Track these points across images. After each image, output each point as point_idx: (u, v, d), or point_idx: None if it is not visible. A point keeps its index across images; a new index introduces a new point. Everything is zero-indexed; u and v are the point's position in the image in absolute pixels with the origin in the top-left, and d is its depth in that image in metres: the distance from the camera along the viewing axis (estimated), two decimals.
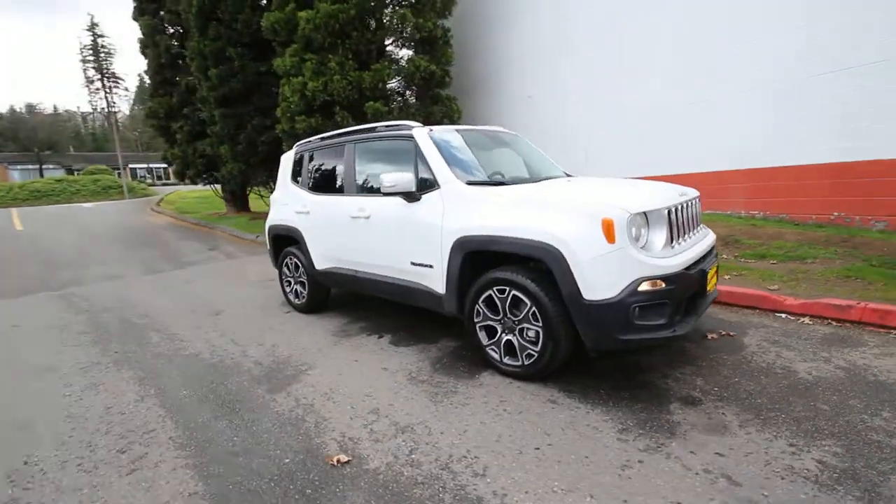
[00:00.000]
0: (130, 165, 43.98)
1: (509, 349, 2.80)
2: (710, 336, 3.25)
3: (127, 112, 56.59)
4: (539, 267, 2.66)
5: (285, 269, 4.68)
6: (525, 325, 2.67)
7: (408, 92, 10.29)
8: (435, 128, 3.39)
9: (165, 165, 46.92)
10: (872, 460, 1.86)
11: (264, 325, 4.25)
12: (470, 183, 3.00)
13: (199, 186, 19.89)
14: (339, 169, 3.96)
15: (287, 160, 4.68)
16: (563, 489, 1.81)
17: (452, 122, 10.75)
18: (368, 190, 3.67)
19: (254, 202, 16.48)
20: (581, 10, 8.35)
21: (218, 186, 15.64)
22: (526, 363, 2.71)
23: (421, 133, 3.30)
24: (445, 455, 2.09)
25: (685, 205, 2.80)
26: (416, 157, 3.27)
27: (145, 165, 47.56)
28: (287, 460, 2.14)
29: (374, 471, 2.01)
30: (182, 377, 3.19)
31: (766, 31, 5.87)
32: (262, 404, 2.71)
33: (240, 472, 2.08)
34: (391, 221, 3.36)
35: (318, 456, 2.16)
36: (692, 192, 3.03)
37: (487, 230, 2.72)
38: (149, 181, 42.81)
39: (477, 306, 2.89)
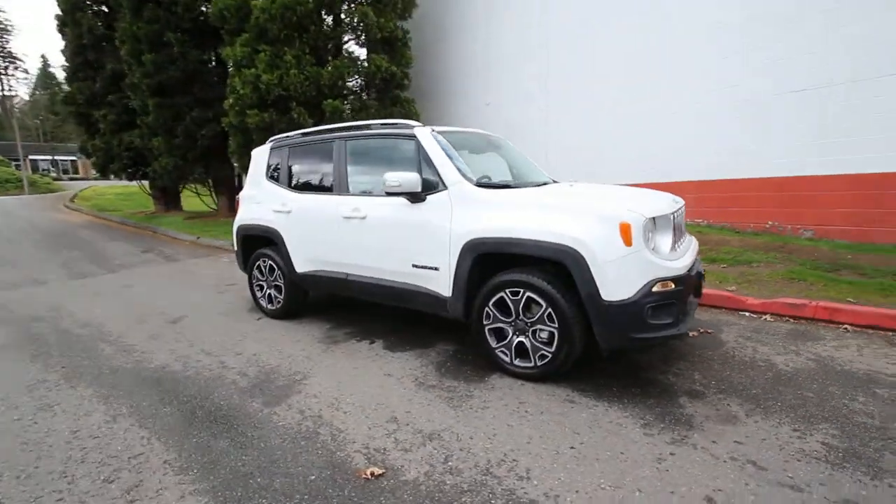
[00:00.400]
0: (31, 157, 38.93)
1: (520, 351, 2.81)
2: (691, 334, 3.49)
3: (27, 97, 50.12)
4: (551, 269, 2.71)
5: (256, 273, 4.37)
6: (539, 326, 2.70)
7: (364, 92, 10.07)
8: (435, 128, 3.35)
9: (74, 158, 42.05)
10: (865, 440, 2.09)
11: (236, 333, 3.93)
12: (479, 185, 2.99)
13: (119, 182, 18.05)
14: (328, 166, 3.78)
15: (260, 156, 4.39)
16: (611, 486, 1.85)
17: None
18: (363, 189, 3.53)
19: (187, 200, 15.25)
20: (548, 18, 8.66)
21: (146, 182, 14.28)
22: (539, 364, 2.74)
23: (424, 132, 3.24)
24: (483, 460, 2.05)
25: (679, 211, 3.00)
26: (418, 157, 3.20)
27: (49, 157, 42.31)
28: (313, 477, 1.99)
29: (414, 482, 1.93)
30: (156, 393, 2.86)
31: (724, 55, 6.46)
32: (263, 419, 2.50)
33: (262, 493, 1.89)
34: (391, 222, 3.25)
35: (346, 470, 2.02)
36: (681, 200, 3.24)
37: (503, 232, 2.72)
38: (53, 175, 38.11)
39: (487, 309, 2.88)
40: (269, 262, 4.19)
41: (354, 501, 1.83)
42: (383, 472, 1.99)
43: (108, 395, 2.86)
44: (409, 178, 2.99)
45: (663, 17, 6.95)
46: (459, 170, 3.04)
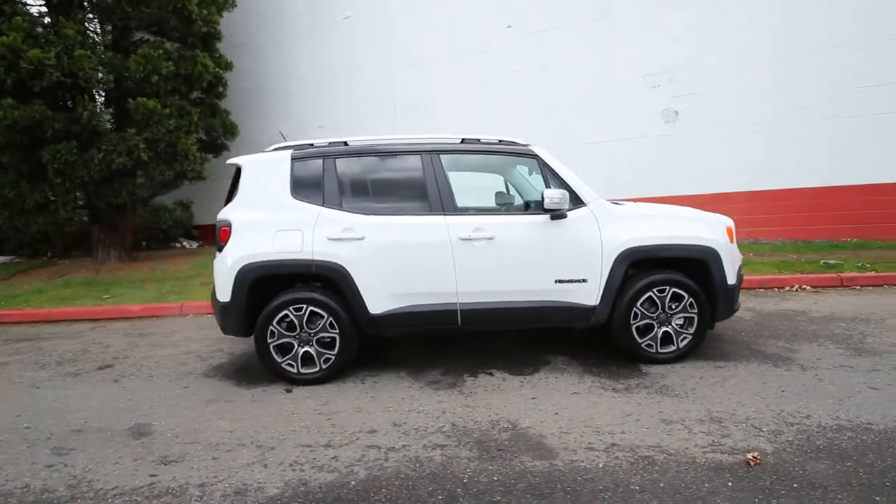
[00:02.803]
0: None
1: (665, 340, 3.31)
2: None
3: None
4: (683, 267, 3.34)
5: (277, 328, 3.15)
6: (680, 315, 3.28)
7: (178, 95, 7.90)
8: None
9: None
10: (847, 341, 3.61)
11: (303, 417, 2.81)
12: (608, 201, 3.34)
13: None
14: (412, 183, 3.23)
15: (270, 168, 3.25)
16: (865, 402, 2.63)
17: (232, 140, 9.09)
18: (475, 207, 3.23)
19: None
20: (391, 33, 9.03)
21: None
22: (681, 346, 3.30)
23: (544, 151, 3.31)
24: (779, 420, 2.47)
25: None
26: (543, 174, 3.26)
27: None
28: (707, 484, 1.97)
29: (785, 450, 2.19)
30: None
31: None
32: (571, 470, 2.14)
33: None
34: (532, 241, 3.17)
35: (729, 467, 2.09)
36: None
37: (658, 240, 3.19)
38: None
39: (635, 309, 3.24)
40: (312, 308, 3.13)
41: (784, 481, 1.98)
42: (757, 455, 2.17)
43: None
44: (566, 196, 3.06)
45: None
46: (590, 188, 3.31)
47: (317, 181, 3.22)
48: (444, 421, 2.65)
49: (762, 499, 1.89)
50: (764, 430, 2.41)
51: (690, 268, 3.33)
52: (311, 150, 3.30)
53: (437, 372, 3.37)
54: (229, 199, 3.43)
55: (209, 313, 5.46)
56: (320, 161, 3.24)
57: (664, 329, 3.29)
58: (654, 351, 3.30)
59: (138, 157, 6.44)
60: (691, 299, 3.25)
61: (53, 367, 3.81)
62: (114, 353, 4.14)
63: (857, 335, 3.75)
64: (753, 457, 2.16)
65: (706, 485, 2.00)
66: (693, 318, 3.28)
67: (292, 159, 3.25)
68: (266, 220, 3.16)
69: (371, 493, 2.03)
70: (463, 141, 3.39)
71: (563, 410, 2.72)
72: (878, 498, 1.85)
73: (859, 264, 5.90)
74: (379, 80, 9.30)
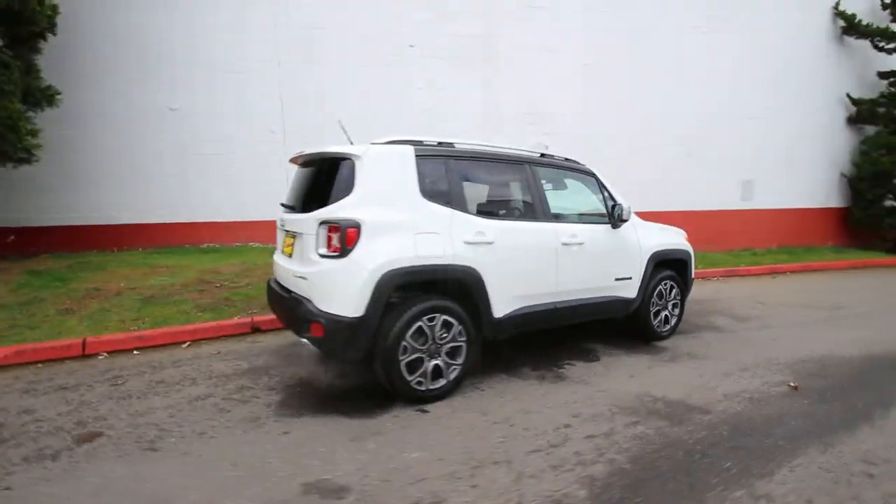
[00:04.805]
0: None
1: (665, 320, 4.37)
2: None
3: None
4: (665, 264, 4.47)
5: (410, 343, 2.83)
6: (672, 301, 4.41)
7: None
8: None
9: None
10: (744, 317, 5.45)
11: (481, 429, 2.75)
12: None
13: None
14: (517, 190, 3.42)
15: (395, 162, 2.93)
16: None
17: (44, 110, 6.64)
18: (566, 216, 3.63)
19: None
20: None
21: None
22: (672, 325, 4.43)
23: (597, 172, 3.96)
24: (791, 359, 3.74)
25: None
26: (600, 190, 3.92)
27: None
28: (797, 402, 3.03)
29: (807, 376, 3.41)
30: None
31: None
32: (734, 413, 2.86)
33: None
34: (606, 245, 3.78)
35: (789, 394, 3.17)
36: None
37: (666, 246, 4.26)
38: None
39: (653, 299, 4.21)
40: (443, 317, 2.93)
41: (826, 389, 3.16)
42: (798, 385, 3.32)
43: None
44: (631, 208, 3.80)
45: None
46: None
47: (442, 182, 3.04)
48: (603, 405, 2.98)
49: (831, 404, 3.01)
50: (780, 366, 3.64)
51: (672, 266, 4.53)
52: (433, 148, 3.07)
53: (527, 369, 3.58)
54: (323, 195, 2.85)
55: (135, 348, 3.96)
56: (442, 161, 3.07)
57: (664, 313, 4.38)
58: (661, 331, 4.34)
59: None
60: (678, 289, 4.45)
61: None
62: (67, 417, 2.68)
63: (740, 311, 5.59)
64: (795, 385, 3.31)
65: (796, 405, 3.01)
66: (678, 302, 4.48)
67: (416, 156, 2.96)
68: (402, 221, 2.81)
69: (653, 470, 2.28)
70: (542, 155, 3.74)
71: (663, 380, 3.40)
72: (887, 388, 3.23)
73: None
74: (265, 69, 8.19)
